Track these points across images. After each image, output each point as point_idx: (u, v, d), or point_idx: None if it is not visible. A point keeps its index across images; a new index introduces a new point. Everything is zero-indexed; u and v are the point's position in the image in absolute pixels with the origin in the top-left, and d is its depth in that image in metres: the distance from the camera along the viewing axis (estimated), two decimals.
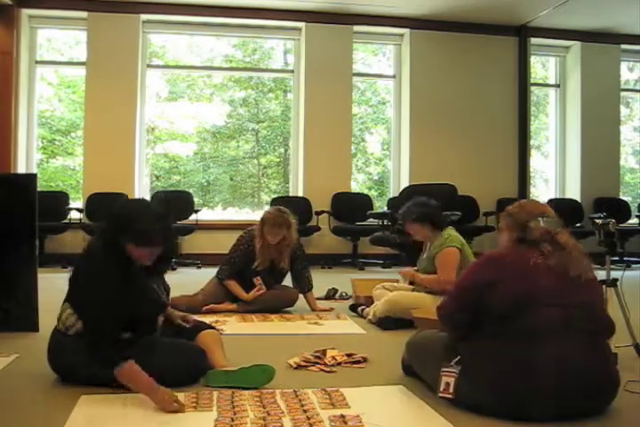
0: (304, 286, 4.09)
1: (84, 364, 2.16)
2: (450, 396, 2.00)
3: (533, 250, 2.06)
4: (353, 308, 3.98)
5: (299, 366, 2.55)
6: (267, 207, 7.38)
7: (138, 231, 2.17)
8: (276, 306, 3.97)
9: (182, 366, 2.26)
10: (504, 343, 1.93)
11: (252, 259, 3.98)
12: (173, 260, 2.45)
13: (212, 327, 2.63)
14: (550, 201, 8.10)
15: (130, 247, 2.19)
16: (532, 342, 1.90)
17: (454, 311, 2.14)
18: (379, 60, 8.67)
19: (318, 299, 4.48)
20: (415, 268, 3.76)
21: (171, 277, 2.62)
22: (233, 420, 1.89)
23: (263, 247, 3.95)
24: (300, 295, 4.11)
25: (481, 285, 2.05)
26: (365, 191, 8.30)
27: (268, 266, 4.01)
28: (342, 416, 1.93)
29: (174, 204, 6.77)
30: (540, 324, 1.91)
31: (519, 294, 1.97)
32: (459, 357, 2.00)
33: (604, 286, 2.79)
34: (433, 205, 3.73)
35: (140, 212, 2.25)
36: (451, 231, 3.65)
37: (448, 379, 2.00)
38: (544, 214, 2.17)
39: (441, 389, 2.02)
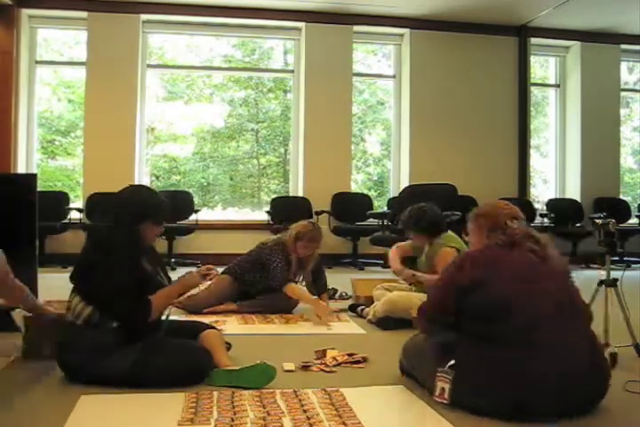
0: (321, 288, 4.17)
1: (90, 359, 2.20)
2: (445, 401, 1.99)
3: (518, 249, 2.09)
4: (352, 308, 3.98)
5: (302, 367, 2.55)
6: (266, 207, 7.45)
7: (160, 211, 2.45)
8: (276, 309, 3.94)
9: (187, 366, 2.28)
10: (491, 345, 1.93)
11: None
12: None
13: (213, 327, 2.64)
14: (550, 201, 8.12)
15: (146, 228, 2.39)
16: (517, 342, 1.90)
17: (429, 318, 2.19)
18: (378, 61, 8.67)
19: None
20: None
21: (171, 277, 2.62)
22: (233, 420, 1.89)
23: (296, 261, 4.03)
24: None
25: (463, 287, 2.05)
26: (365, 191, 8.30)
27: (261, 290, 4.03)
28: (341, 417, 1.93)
29: (174, 204, 6.79)
30: (524, 323, 1.92)
31: (504, 296, 1.97)
32: (453, 361, 1.98)
33: (603, 286, 2.80)
34: (431, 210, 3.70)
35: (153, 195, 2.52)
36: (449, 233, 3.67)
37: (443, 384, 1.99)
38: (517, 216, 2.23)
39: (437, 393, 2.01)
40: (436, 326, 2.19)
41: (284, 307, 3.95)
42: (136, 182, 7.19)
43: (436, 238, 3.63)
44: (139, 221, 2.38)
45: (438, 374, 2.00)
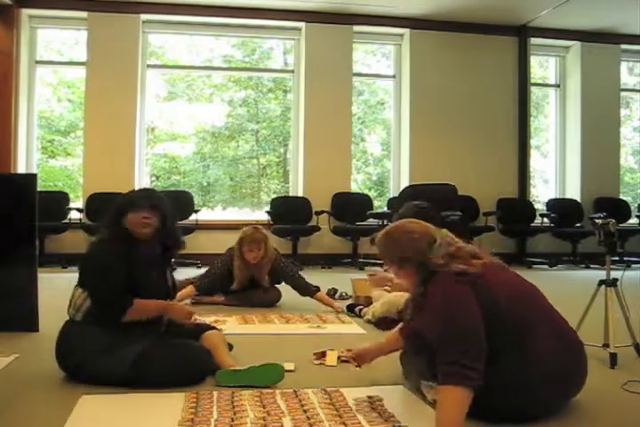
0: (308, 290, 4.12)
1: (94, 355, 2.20)
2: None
3: (447, 274, 1.87)
4: (350, 308, 3.98)
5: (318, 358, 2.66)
6: (267, 207, 7.46)
7: (126, 199, 2.46)
8: (259, 304, 4.13)
9: (187, 366, 2.28)
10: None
11: (229, 280, 4.12)
12: (181, 242, 2.58)
13: (215, 328, 2.64)
14: (550, 201, 8.12)
15: (126, 220, 2.38)
16: (513, 341, 1.86)
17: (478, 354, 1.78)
18: (377, 61, 8.67)
19: None
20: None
21: (176, 282, 2.62)
22: (233, 420, 1.89)
23: (241, 267, 4.08)
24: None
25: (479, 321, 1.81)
26: (365, 191, 8.30)
27: (247, 285, 4.16)
28: (341, 417, 1.93)
29: (174, 204, 6.79)
30: (517, 324, 1.88)
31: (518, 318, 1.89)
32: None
33: (603, 286, 2.80)
34: (426, 208, 3.62)
35: (128, 192, 2.56)
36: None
37: (434, 395, 1.91)
38: (429, 235, 1.97)
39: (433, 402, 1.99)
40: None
41: (258, 302, 4.13)
42: (136, 182, 7.20)
43: None
44: (119, 216, 2.40)
45: (426, 387, 2.02)
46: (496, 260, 2.05)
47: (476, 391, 1.70)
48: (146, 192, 2.59)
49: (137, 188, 7.18)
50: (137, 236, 2.40)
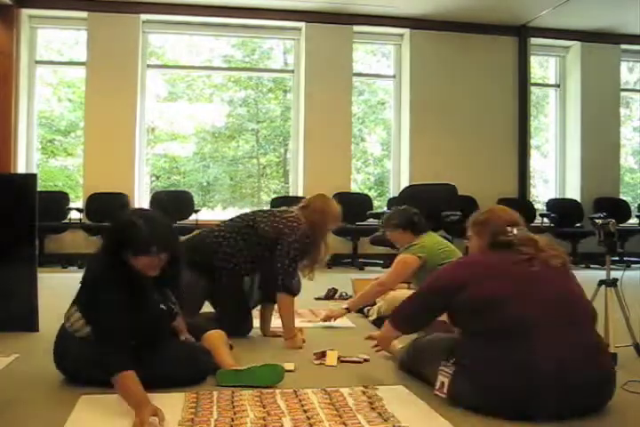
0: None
1: (87, 365, 2.17)
2: (443, 395, 2.01)
3: (511, 252, 2.09)
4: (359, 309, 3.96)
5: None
6: (267, 207, 7.44)
7: (134, 242, 2.12)
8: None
9: (187, 366, 2.27)
10: (486, 343, 1.96)
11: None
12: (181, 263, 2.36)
13: (216, 328, 2.62)
14: (550, 201, 8.13)
15: (131, 259, 2.14)
16: (510, 340, 1.90)
17: (415, 311, 2.25)
18: (377, 61, 8.67)
19: (318, 299, 4.50)
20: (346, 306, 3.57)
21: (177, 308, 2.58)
22: (233, 420, 1.89)
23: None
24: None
25: (450, 287, 2.10)
26: (365, 191, 8.29)
27: None
28: (341, 417, 1.93)
29: (174, 204, 6.80)
30: (515, 320, 1.93)
31: (490, 293, 1.99)
32: (454, 358, 2.01)
33: (603, 286, 2.80)
34: (406, 209, 3.57)
35: (134, 222, 2.15)
36: (425, 238, 3.43)
37: (443, 378, 2.02)
38: (515, 221, 2.22)
39: (437, 387, 2.05)
40: (410, 326, 2.32)
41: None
42: (136, 182, 7.20)
43: (414, 240, 3.43)
44: (117, 250, 2.15)
45: (440, 368, 2.03)
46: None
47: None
48: (156, 230, 2.16)
49: (137, 188, 7.19)
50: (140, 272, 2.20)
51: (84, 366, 2.19)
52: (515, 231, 2.15)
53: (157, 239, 2.13)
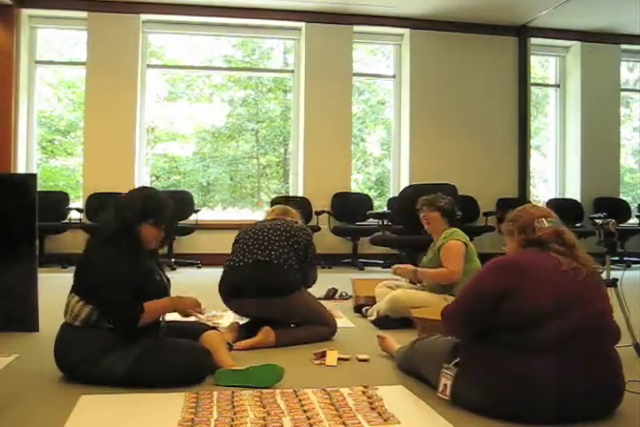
0: None
1: (87, 360, 2.19)
2: (446, 398, 2.00)
3: (544, 252, 2.01)
4: (357, 309, 3.97)
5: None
6: (267, 207, 7.44)
7: (161, 212, 2.38)
8: None
9: (187, 366, 2.28)
10: (503, 353, 1.90)
11: None
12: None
13: (214, 328, 2.64)
14: (550, 201, 8.12)
15: (146, 230, 2.34)
16: (535, 355, 1.85)
17: (460, 324, 2.08)
18: (378, 61, 8.67)
19: (318, 299, 4.48)
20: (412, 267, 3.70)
21: (170, 278, 2.62)
22: (233, 420, 1.89)
23: None
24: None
25: (496, 294, 1.94)
26: (365, 191, 8.30)
27: None
28: (341, 417, 1.93)
29: (174, 204, 6.79)
30: (551, 338, 1.86)
31: (529, 310, 1.89)
32: (458, 359, 2.00)
33: None
34: (455, 205, 3.79)
35: (155, 195, 2.46)
36: (457, 229, 3.65)
37: (446, 380, 2.01)
38: (547, 216, 2.12)
39: (440, 389, 2.03)
40: (467, 330, 2.08)
41: None
42: (136, 182, 7.20)
43: (446, 230, 3.61)
44: (139, 220, 2.33)
45: (443, 370, 2.02)
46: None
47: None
48: (171, 205, 2.47)
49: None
50: (144, 244, 2.38)
51: (89, 360, 2.20)
52: (545, 223, 2.07)
53: (173, 216, 2.44)
